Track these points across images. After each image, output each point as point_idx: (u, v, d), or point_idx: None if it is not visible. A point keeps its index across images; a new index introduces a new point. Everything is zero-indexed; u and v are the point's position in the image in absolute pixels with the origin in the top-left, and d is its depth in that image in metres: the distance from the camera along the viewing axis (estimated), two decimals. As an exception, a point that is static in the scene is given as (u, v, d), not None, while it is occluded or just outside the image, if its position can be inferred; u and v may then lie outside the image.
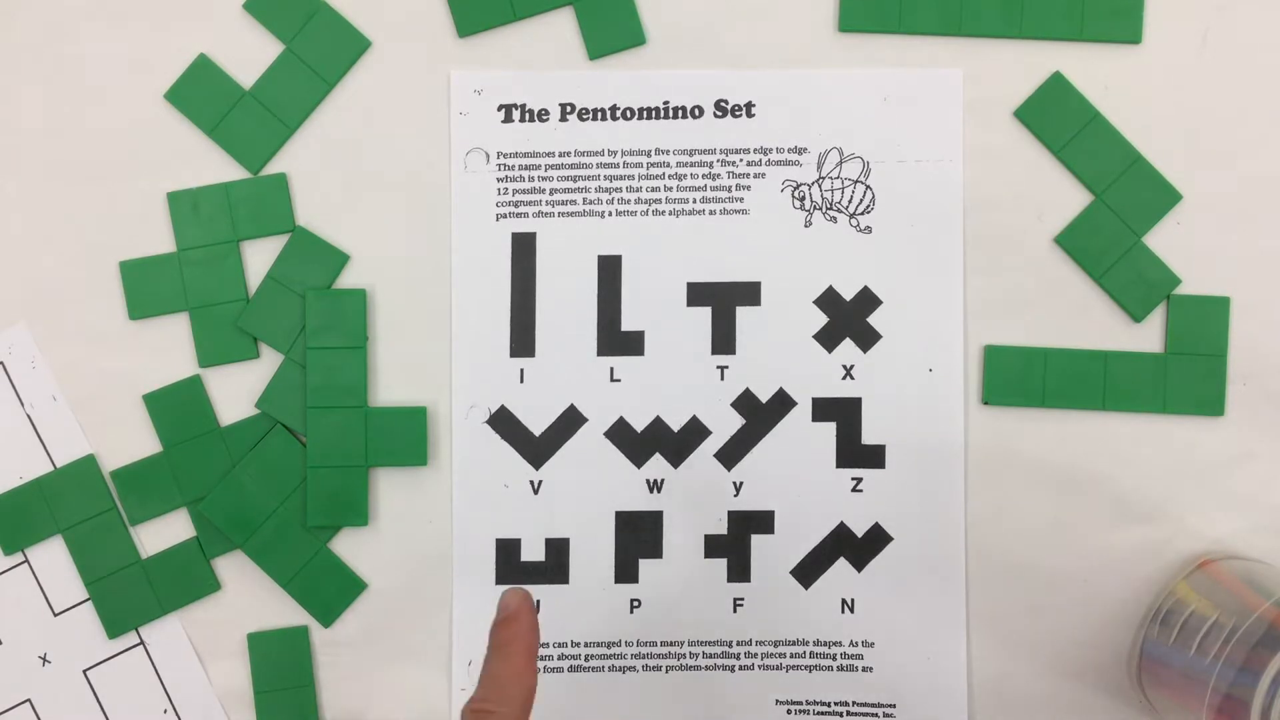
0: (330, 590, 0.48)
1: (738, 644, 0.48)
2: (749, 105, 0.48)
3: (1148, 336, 0.47)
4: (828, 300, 0.48)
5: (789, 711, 0.47)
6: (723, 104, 0.48)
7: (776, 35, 0.48)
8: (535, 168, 0.48)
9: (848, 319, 0.48)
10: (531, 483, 0.48)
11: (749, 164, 0.48)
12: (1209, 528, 0.47)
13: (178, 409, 0.48)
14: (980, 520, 0.47)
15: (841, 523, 0.47)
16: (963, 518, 0.47)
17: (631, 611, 0.48)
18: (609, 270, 0.48)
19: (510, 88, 0.48)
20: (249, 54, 0.49)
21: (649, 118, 0.48)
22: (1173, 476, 0.47)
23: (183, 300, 0.48)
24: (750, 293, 0.48)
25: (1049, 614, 0.47)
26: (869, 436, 0.48)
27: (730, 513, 0.48)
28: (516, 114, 0.48)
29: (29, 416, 0.48)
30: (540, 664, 0.48)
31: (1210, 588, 0.44)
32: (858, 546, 0.47)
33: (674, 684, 0.48)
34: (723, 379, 0.48)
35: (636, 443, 0.48)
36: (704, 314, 0.48)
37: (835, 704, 0.47)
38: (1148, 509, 0.47)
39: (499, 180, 0.48)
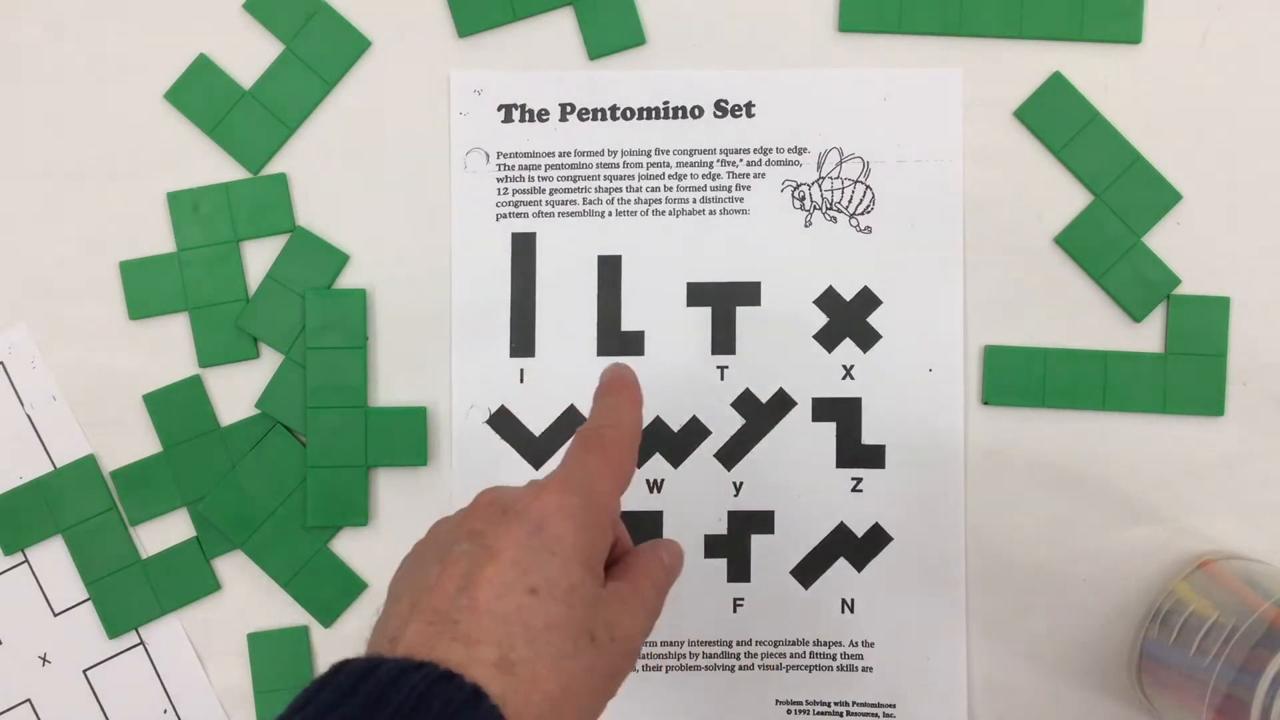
0: (330, 590, 0.48)
1: (738, 644, 0.47)
2: (749, 105, 0.48)
3: (1148, 336, 0.47)
4: (828, 300, 0.48)
5: (789, 711, 0.47)
6: (723, 104, 0.48)
7: (776, 35, 0.48)
8: (535, 168, 0.48)
9: (848, 319, 0.48)
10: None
11: (749, 164, 0.48)
12: (1209, 528, 0.47)
13: (178, 409, 0.48)
14: (980, 520, 0.47)
15: (841, 523, 0.47)
16: (963, 518, 0.47)
17: (631, 611, 0.48)
18: (609, 270, 0.48)
19: (510, 88, 0.48)
20: (249, 54, 0.49)
21: (649, 118, 0.48)
22: (1173, 476, 0.47)
23: (183, 300, 0.48)
24: (750, 293, 0.48)
25: (1049, 614, 0.47)
26: (869, 436, 0.47)
27: (730, 513, 0.48)
28: (516, 114, 0.48)
29: (29, 416, 0.48)
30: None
31: (1210, 588, 0.44)
32: (858, 546, 0.47)
33: (674, 684, 0.48)
34: (723, 379, 0.48)
35: (636, 443, 0.48)
36: (704, 314, 0.48)
37: (835, 704, 0.47)
38: (1148, 509, 0.47)
39: (499, 180, 0.48)
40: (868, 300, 0.48)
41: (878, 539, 0.47)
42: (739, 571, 0.48)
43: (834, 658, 0.47)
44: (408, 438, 0.47)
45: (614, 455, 0.35)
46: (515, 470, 0.48)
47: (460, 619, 0.29)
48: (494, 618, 0.29)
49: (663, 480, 0.48)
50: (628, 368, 0.38)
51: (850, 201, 0.48)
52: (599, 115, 0.48)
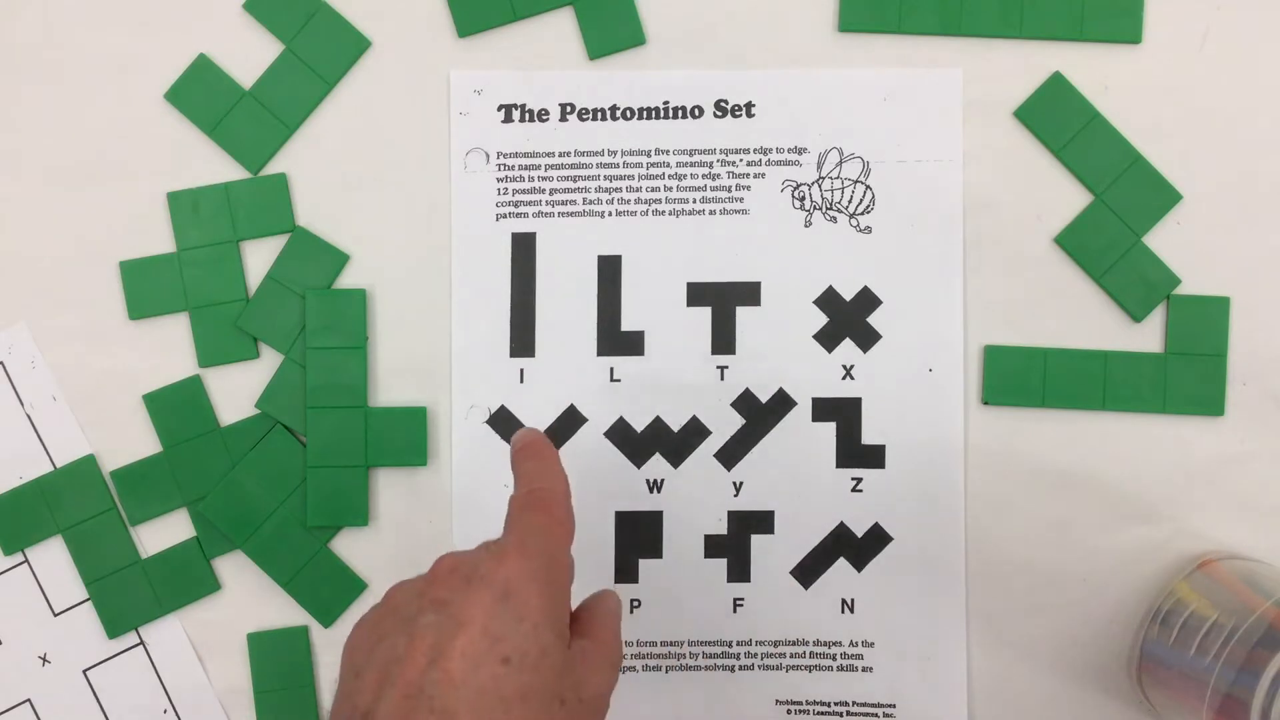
0: (330, 590, 0.48)
1: (738, 644, 0.48)
2: (749, 105, 0.48)
3: (1148, 336, 0.47)
4: (828, 300, 0.48)
5: (789, 711, 0.47)
6: (723, 104, 0.48)
7: (776, 35, 0.48)
8: (535, 168, 0.48)
9: (848, 319, 0.48)
10: (531, 483, 0.48)
11: (749, 164, 0.48)
12: (1209, 528, 0.47)
13: (178, 409, 0.48)
14: (980, 520, 0.47)
15: (841, 523, 0.47)
16: (963, 518, 0.47)
17: (631, 611, 0.48)
18: (609, 270, 0.48)
19: (510, 88, 0.48)
20: (249, 54, 0.49)
21: (649, 118, 0.48)
22: (1173, 476, 0.47)
23: (183, 300, 0.48)
24: (750, 293, 0.48)
25: (1049, 614, 0.47)
26: (869, 436, 0.48)
27: (730, 513, 0.48)
28: (516, 114, 0.48)
29: (29, 416, 0.48)
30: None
31: (1210, 588, 0.44)
32: (858, 546, 0.47)
33: (674, 684, 0.48)
34: (723, 379, 0.48)
35: (636, 443, 0.48)
36: (704, 314, 0.48)
37: (835, 704, 0.47)
38: (1148, 509, 0.47)
39: (499, 180, 0.48)
40: (868, 300, 0.48)
41: (878, 539, 0.47)
42: (739, 571, 0.48)
43: (834, 658, 0.47)
44: (408, 438, 0.47)
45: (558, 514, 0.35)
46: (515, 470, 0.48)
47: (435, 693, 0.29)
48: (469, 690, 0.29)
49: (663, 480, 0.48)
50: (536, 430, 0.39)
51: (850, 201, 0.48)
52: (599, 115, 0.48)
